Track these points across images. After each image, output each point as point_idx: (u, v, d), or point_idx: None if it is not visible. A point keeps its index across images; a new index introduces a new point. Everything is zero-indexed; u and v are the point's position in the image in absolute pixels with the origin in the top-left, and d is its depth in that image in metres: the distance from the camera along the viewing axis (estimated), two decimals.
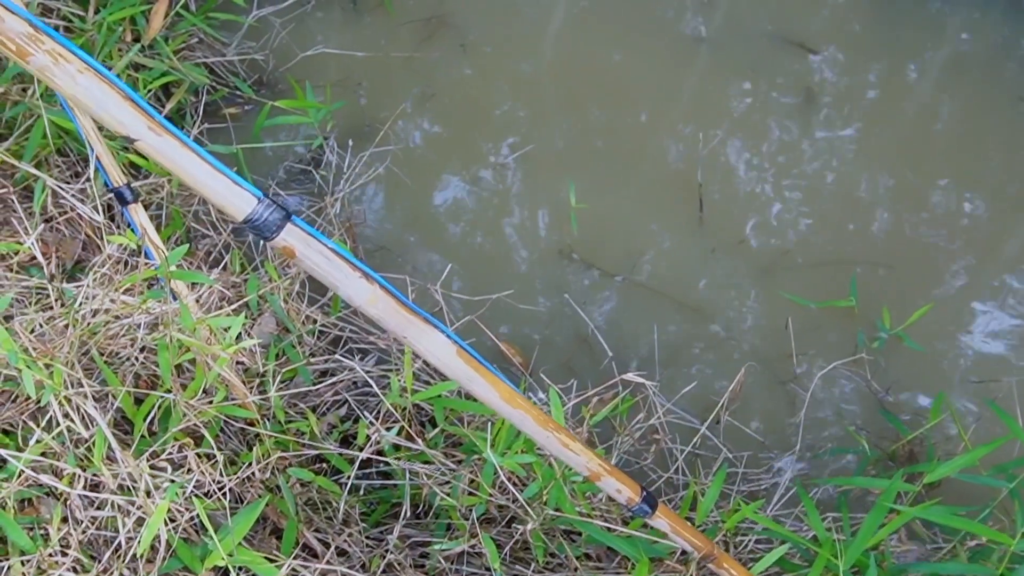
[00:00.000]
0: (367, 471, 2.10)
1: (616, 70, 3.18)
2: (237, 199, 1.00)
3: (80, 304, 1.71)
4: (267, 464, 1.78)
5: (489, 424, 1.91)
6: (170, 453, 1.65)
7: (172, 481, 1.57)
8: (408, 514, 1.95)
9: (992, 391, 2.60)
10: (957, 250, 2.86)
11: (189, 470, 1.62)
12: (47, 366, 1.56)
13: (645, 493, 1.46)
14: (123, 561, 1.57)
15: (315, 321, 2.42)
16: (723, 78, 3.17)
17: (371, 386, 2.21)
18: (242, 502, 1.86)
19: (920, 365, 2.67)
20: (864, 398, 2.62)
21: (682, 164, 2.97)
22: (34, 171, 2.06)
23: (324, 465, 2.04)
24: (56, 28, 2.52)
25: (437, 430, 2.10)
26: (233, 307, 2.06)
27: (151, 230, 1.86)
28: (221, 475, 1.64)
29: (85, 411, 1.58)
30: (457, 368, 1.20)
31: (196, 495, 1.60)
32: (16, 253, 2.08)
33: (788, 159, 3.01)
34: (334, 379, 2.20)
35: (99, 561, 1.58)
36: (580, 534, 2.01)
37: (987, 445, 1.99)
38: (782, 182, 2.96)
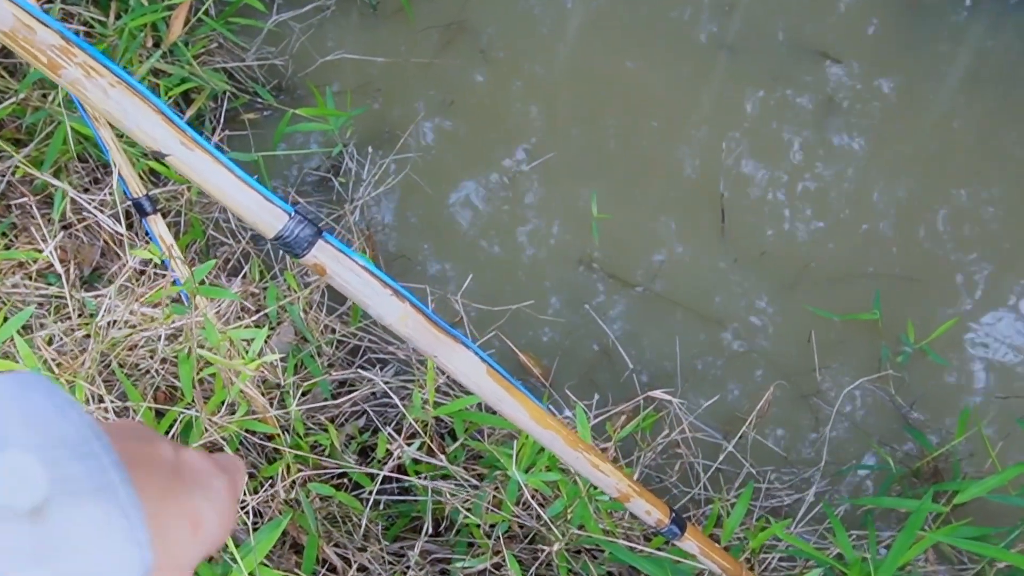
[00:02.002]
0: (387, 485, 2.08)
1: (635, 77, 3.15)
2: (268, 215, 0.97)
3: (101, 316, 1.68)
4: (292, 482, 1.75)
5: (512, 440, 1.88)
6: None
7: None
8: (429, 530, 1.92)
9: (1017, 407, 2.57)
10: (980, 262, 2.83)
11: None
12: (69, 382, 1.54)
13: (674, 514, 1.43)
14: None
15: (334, 331, 2.40)
16: (743, 86, 3.14)
17: (391, 397, 2.19)
18: (261, 517, 1.84)
19: (944, 380, 2.64)
20: (888, 413, 2.58)
21: (703, 174, 2.94)
22: (54, 181, 2.04)
23: (344, 480, 2.01)
24: (77, 33, 2.50)
25: (457, 444, 2.07)
26: (253, 318, 2.04)
27: (170, 241, 1.83)
28: (244, 493, 1.61)
29: None
30: (487, 388, 1.17)
31: None
32: (35, 261, 2.06)
33: (809, 170, 2.97)
34: (353, 393, 2.17)
35: None
36: (603, 551, 1.98)
37: (1020, 465, 1.96)
38: (804, 193, 2.93)
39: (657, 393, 1.96)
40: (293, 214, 0.98)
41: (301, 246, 0.99)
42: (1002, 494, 2.08)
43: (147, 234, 1.97)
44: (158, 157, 0.92)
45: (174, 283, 1.78)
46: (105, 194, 2.17)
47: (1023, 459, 2.02)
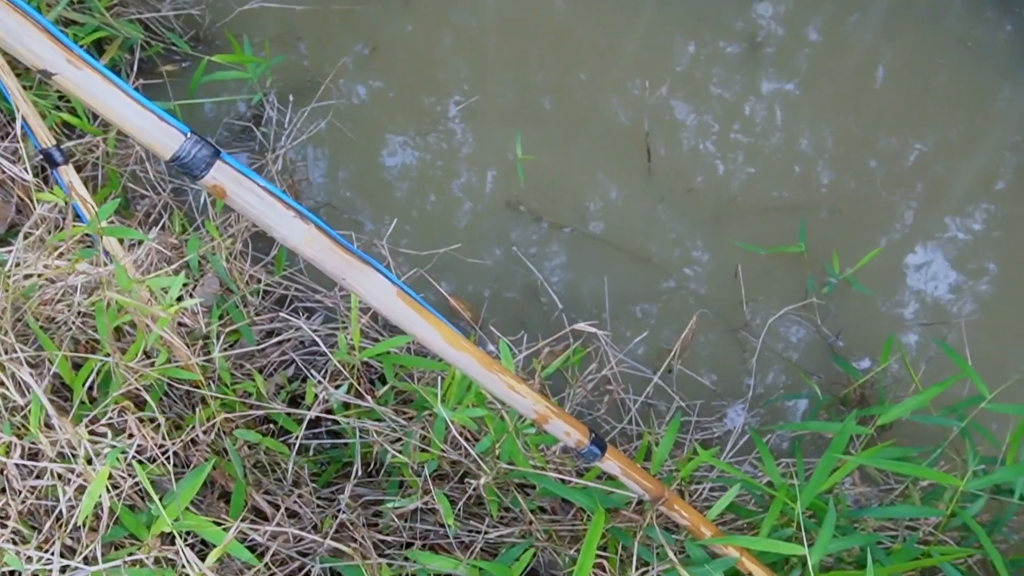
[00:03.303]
0: (317, 431, 2.07)
1: (561, 21, 3.13)
2: (164, 136, 0.95)
3: (11, 268, 1.65)
4: (212, 426, 1.73)
5: (439, 380, 1.88)
6: (111, 419, 1.60)
7: (113, 447, 1.52)
8: (359, 473, 1.92)
9: (940, 334, 2.62)
10: (903, 194, 2.87)
11: (131, 435, 1.57)
12: None
13: (594, 435, 1.44)
14: (65, 530, 1.53)
15: (259, 280, 2.37)
16: (668, 28, 3.14)
17: (318, 344, 2.17)
18: (189, 467, 1.82)
19: (869, 309, 2.68)
20: (815, 344, 2.62)
21: (629, 116, 2.94)
22: None
23: (272, 427, 2.00)
24: None
25: (387, 387, 2.07)
26: (173, 267, 2.01)
27: (80, 188, 1.79)
28: (164, 439, 1.60)
29: (20, 378, 1.53)
30: (399, 311, 1.15)
31: (139, 460, 1.56)
32: None
33: (733, 108, 2.99)
34: (280, 339, 2.15)
35: (40, 531, 1.53)
36: (534, 488, 1.99)
37: (939, 385, 2.00)
38: (728, 131, 2.94)
39: (582, 326, 1.96)
40: (189, 134, 0.96)
41: (199, 167, 0.97)
42: (924, 415, 2.13)
43: (59, 185, 1.93)
44: (45, 76, 0.89)
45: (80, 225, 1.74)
46: (12, 144, 2.11)
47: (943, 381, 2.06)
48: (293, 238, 1.04)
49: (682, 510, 1.63)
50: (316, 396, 1.89)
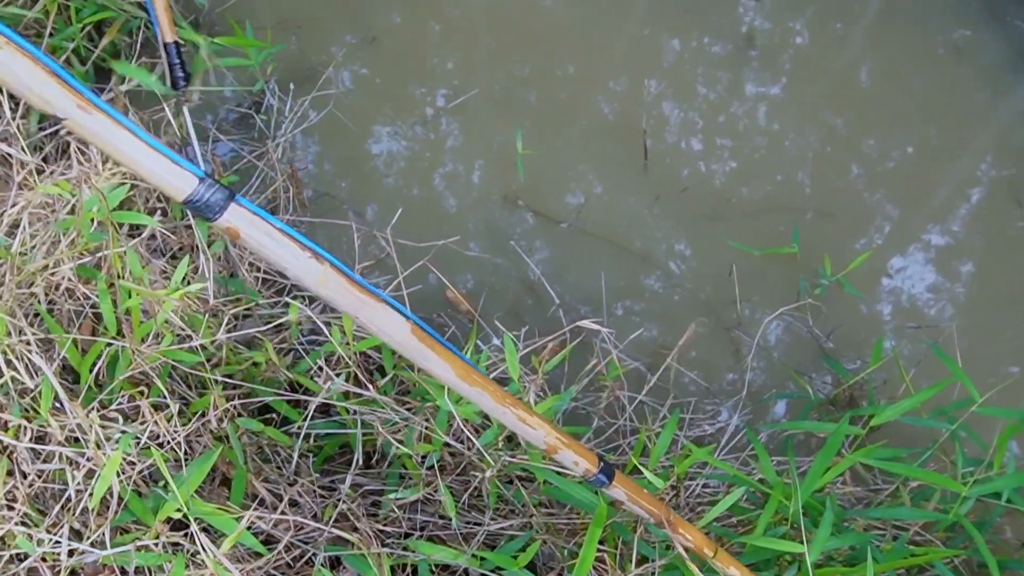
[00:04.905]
0: (317, 420, 2.08)
1: (557, 15, 3.14)
2: (177, 179, 0.94)
3: (16, 250, 1.64)
4: (223, 411, 1.74)
5: None
6: (120, 403, 1.60)
7: (124, 432, 1.52)
8: (360, 462, 1.93)
9: (929, 336, 2.65)
10: (893, 198, 2.90)
11: (143, 421, 1.58)
12: None
13: (602, 464, 1.46)
14: (73, 514, 1.53)
15: (260, 269, 2.38)
16: (663, 24, 3.15)
17: (321, 330, 2.18)
18: (189, 453, 1.83)
19: (860, 311, 2.71)
20: (806, 344, 2.65)
21: (625, 112, 2.96)
22: None
23: (273, 416, 2.01)
24: None
25: (388, 378, 2.08)
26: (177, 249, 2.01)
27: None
28: (175, 425, 1.60)
29: (29, 360, 1.53)
30: (412, 347, 1.16)
31: (152, 446, 1.57)
32: None
33: (729, 107, 3.01)
34: (280, 322, 2.16)
35: (48, 515, 1.53)
36: (533, 479, 2.01)
37: (932, 388, 2.03)
38: (724, 131, 2.96)
39: (586, 323, 1.98)
40: (204, 177, 0.96)
41: (213, 210, 0.97)
42: (915, 417, 2.16)
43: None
44: (55, 123, 0.88)
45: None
46: (12, 125, 2.11)
47: (934, 384, 2.09)
48: (308, 279, 1.05)
49: (686, 533, 1.65)
50: (319, 384, 1.90)
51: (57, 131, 2.38)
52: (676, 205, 2.81)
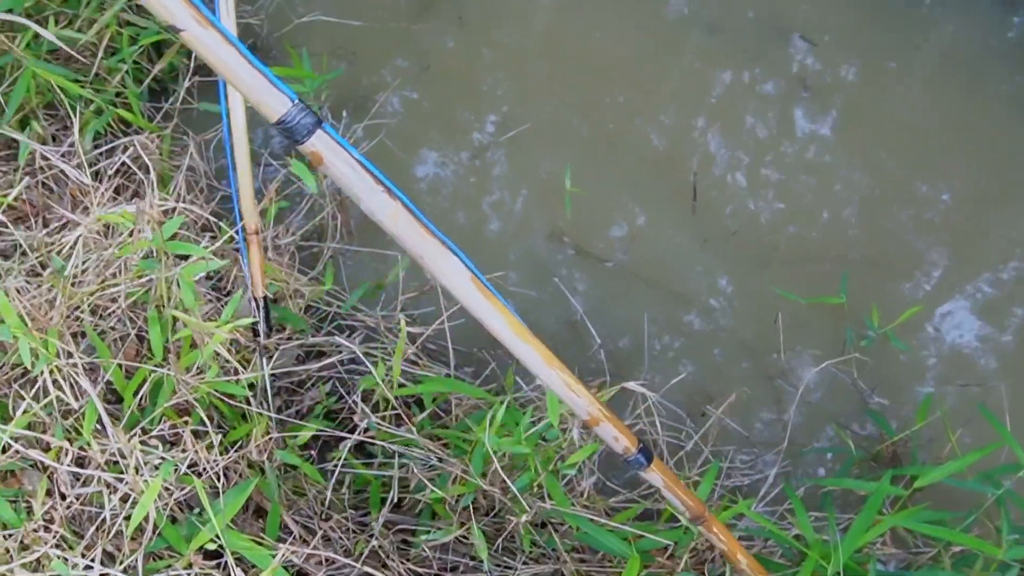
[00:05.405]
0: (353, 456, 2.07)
1: (610, 50, 3.13)
2: (273, 99, 1.01)
3: (69, 272, 1.66)
4: (264, 443, 1.74)
5: (479, 410, 1.88)
6: (161, 430, 1.61)
7: (164, 459, 1.53)
8: (395, 499, 1.92)
9: (976, 395, 2.60)
10: (944, 250, 2.85)
11: (183, 449, 1.58)
12: (40, 331, 1.51)
13: (642, 445, 1.45)
14: (107, 537, 1.53)
15: (303, 296, 2.38)
16: (716, 65, 3.13)
17: (359, 364, 2.18)
18: (225, 481, 1.83)
19: (906, 365, 2.67)
20: (849, 396, 2.61)
21: (675, 151, 2.94)
22: (16, 135, 2.00)
23: (310, 451, 2.01)
24: None
25: (425, 414, 2.07)
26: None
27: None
28: (216, 455, 1.60)
29: (75, 381, 1.53)
30: (471, 295, 1.20)
31: (188, 474, 1.57)
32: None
33: (782, 151, 2.98)
34: (325, 362, 2.16)
35: (83, 537, 1.54)
36: (563, 524, 1.99)
37: (977, 452, 1.99)
38: (774, 175, 2.94)
39: (631, 385, 1.97)
40: (296, 101, 1.02)
41: (301, 133, 1.03)
42: (960, 479, 2.12)
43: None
44: (173, 32, 0.96)
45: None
46: (67, 145, 2.13)
47: (980, 445, 2.05)
48: (380, 212, 1.11)
49: (720, 533, 1.63)
50: (355, 422, 1.90)
51: (112, 150, 2.41)
52: (724, 248, 2.78)
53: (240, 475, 1.83)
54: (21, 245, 1.85)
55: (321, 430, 1.92)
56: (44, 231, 1.96)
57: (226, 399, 1.80)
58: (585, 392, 1.34)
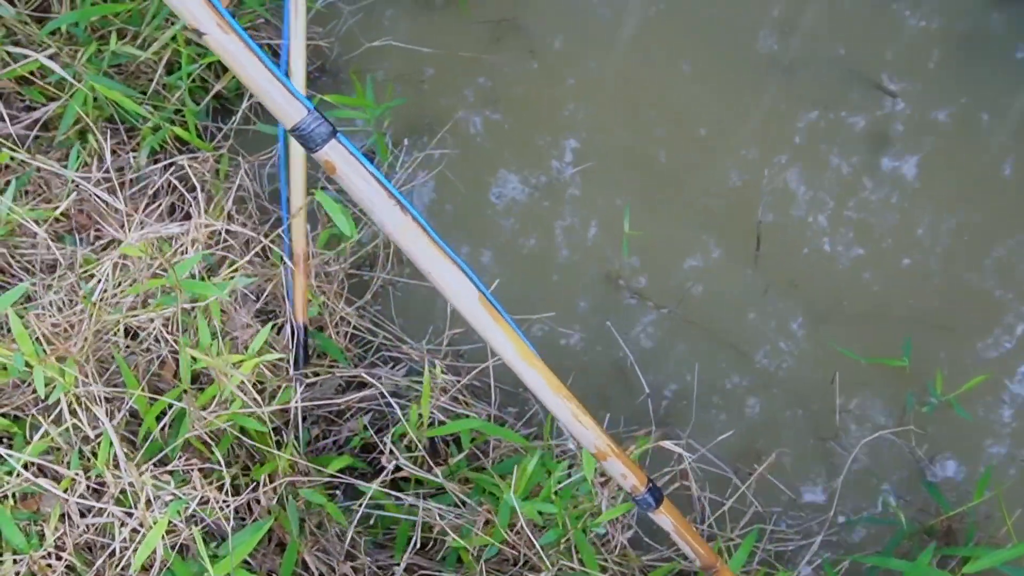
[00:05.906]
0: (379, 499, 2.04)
1: (685, 88, 3.07)
2: (289, 107, 1.04)
3: (98, 296, 1.65)
4: (279, 486, 1.71)
5: (515, 454, 1.84)
6: (176, 465, 1.59)
7: (174, 496, 1.50)
8: (417, 544, 1.88)
9: None
10: (1018, 311, 2.73)
11: (194, 487, 1.55)
12: (60, 359, 1.51)
13: (651, 484, 1.39)
14: (115, 569, 1.51)
15: (349, 323, 2.36)
16: (795, 107, 3.05)
17: (398, 398, 2.15)
18: (251, 512, 1.80)
19: (967, 434, 2.56)
20: (904, 462, 2.51)
21: (742, 196, 2.86)
22: (52, 166, 2.01)
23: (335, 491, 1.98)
24: None
25: (462, 455, 2.03)
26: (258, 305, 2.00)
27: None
28: (226, 495, 1.58)
29: (93, 411, 1.52)
30: (477, 314, 1.21)
31: (197, 511, 1.54)
32: (45, 221, 2.04)
33: (852, 201, 2.89)
34: (363, 394, 2.14)
35: (92, 566, 1.52)
36: None
37: None
38: (842, 226, 2.85)
39: (669, 445, 1.92)
40: (312, 110, 1.05)
41: (315, 141, 1.06)
42: (1015, 567, 2.01)
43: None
44: (197, 36, 0.98)
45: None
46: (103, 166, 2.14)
47: None
48: (390, 224, 1.13)
49: None
50: (384, 466, 1.86)
51: (168, 167, 2.42)
52: (784, 300, 2.70)
53: (264, 507, 1.81)
54: (62, 261, 1.85)
55: (337, 475, 1.88)
56: (89, 247, 1.96)
57: (252, 431, 1.78)
58: (593, 424, 1.31)
